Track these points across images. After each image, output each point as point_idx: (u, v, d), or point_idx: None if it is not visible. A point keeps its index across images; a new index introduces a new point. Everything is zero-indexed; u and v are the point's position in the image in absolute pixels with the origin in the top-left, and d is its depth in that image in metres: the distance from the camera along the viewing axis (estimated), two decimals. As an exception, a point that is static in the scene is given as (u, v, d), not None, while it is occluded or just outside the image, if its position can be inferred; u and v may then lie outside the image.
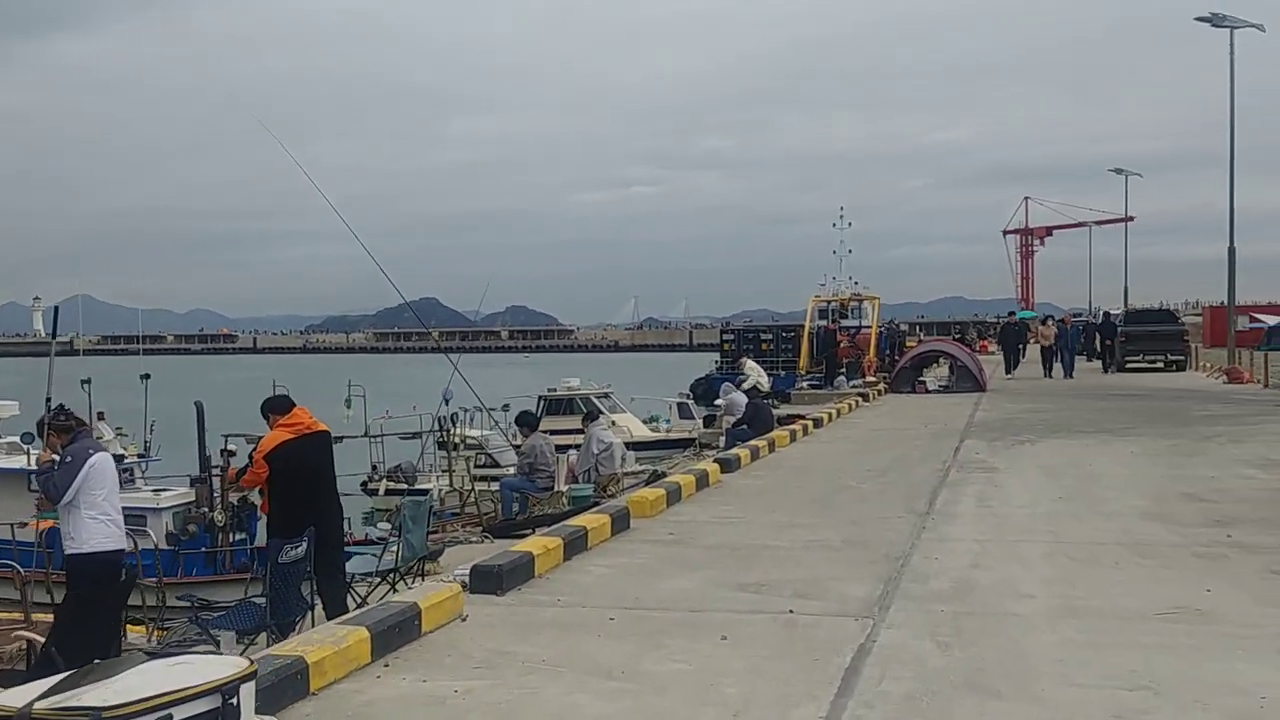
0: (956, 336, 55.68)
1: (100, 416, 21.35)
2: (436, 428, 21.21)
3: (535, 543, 8.15)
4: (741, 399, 20.21)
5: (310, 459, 8.15)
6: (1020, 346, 32.97)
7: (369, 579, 8.89)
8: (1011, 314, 43.80)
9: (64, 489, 7.24)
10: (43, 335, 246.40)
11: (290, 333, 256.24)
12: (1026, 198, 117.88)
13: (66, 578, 7.74)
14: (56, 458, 7.50)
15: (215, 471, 19.85)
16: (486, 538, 12.56)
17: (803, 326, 56.61)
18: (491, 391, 41.01)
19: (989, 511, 10.34)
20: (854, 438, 17.50)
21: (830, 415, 20.34)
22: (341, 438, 21.79)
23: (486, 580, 7.32)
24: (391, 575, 8.88)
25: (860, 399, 24.22)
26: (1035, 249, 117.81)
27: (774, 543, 9.00)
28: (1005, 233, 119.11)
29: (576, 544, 8.59)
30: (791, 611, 6.74)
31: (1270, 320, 51.15)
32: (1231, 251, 37.18)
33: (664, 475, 14.33)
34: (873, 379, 32.13)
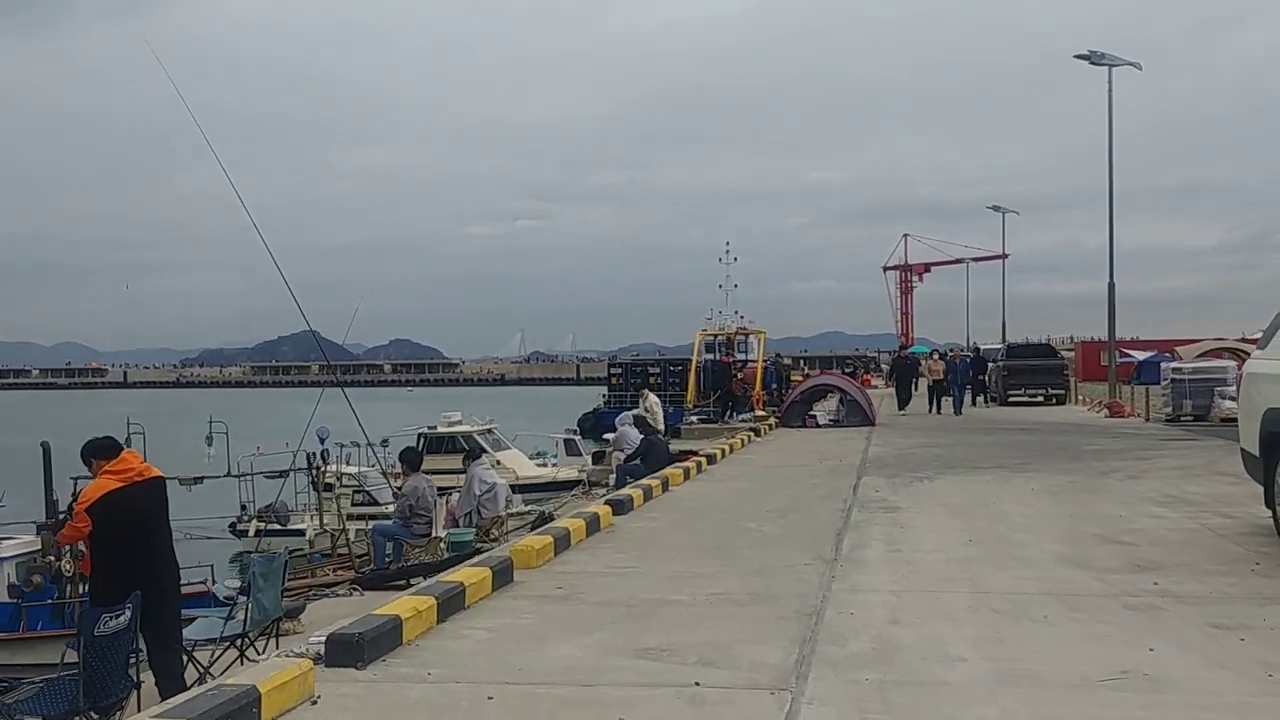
0: (848, 370, 55.88)
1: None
2: (307, 465, 19.86)
3: (404, 604, 7.14)
4: (634, 433, 19.39)
5: (141, 510, 7.03)
6: (913, 381, 32.87)
7: (213, 645, 7.76)
8: (904, 348, 43.93)
9: None
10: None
11: (164, 366, 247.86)
12: (906, 235, 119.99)
13: None
14: None
15: (62, 516, 18.26)
16: (355, 590, 11.45)
17: (690, 360, 56.52)
18: (372, 427, 39.50)
19: (900, 557, 9.65)
20: (750, 475, 16.80)
21: (723, 451, 19.65)
22: (203, 478, 20.50)
23: (345, 652, 6.31)
24: (240, 640, 7.77)
25: (752, 434, 23.62)
26: (914, 285, 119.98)
27: (674, 597, 8.14)
28: (885, 269, 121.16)
29: (452, 603, 7.61)
30: (698, 684, 5.88)
31: (1139, 355, 52.55)
32: (1111, 287, 37.91)
33: (551, 518, 13.41)
34: (762, 413, 31.66)
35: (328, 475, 31.87)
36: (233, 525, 31.28)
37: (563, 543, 10.17)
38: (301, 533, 27.17)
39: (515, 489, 34.70)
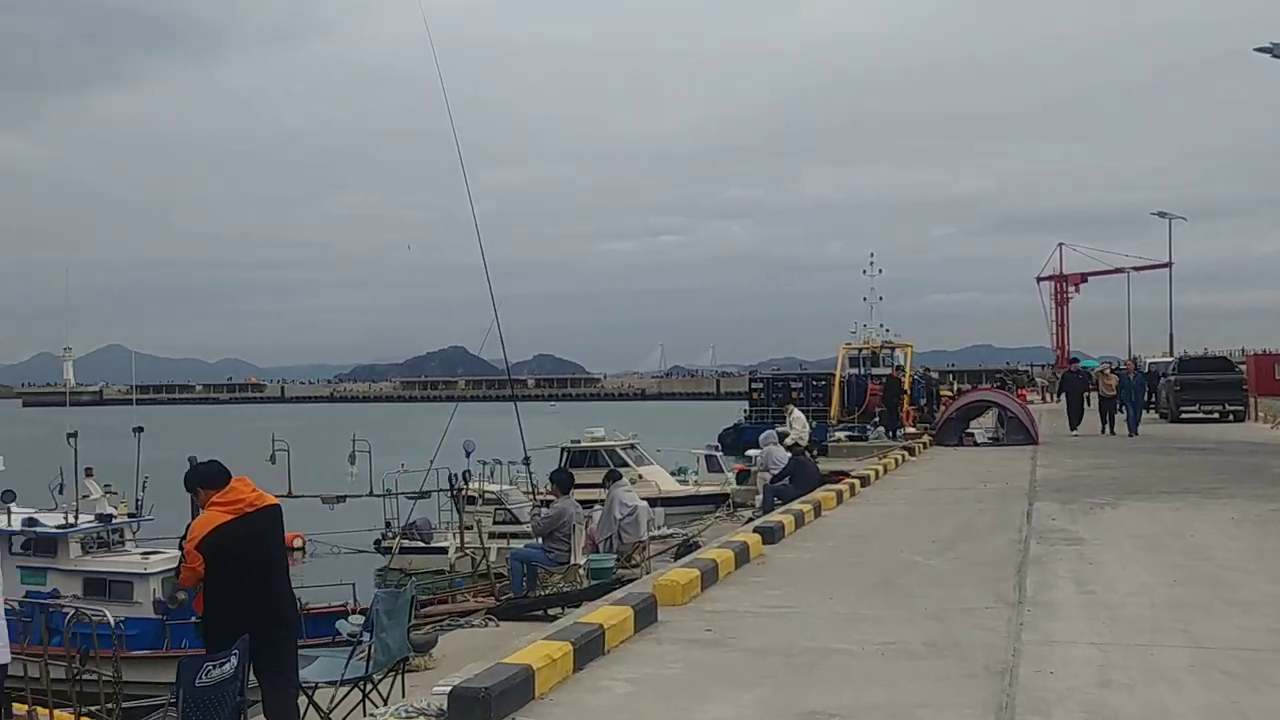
0: (998, 385, 53.57)
1: (88, 473, 19.79)
2: (448, 485, 19.44)
3: (537, 651, 6.38)
4: (781, 452, 18.41)
5: (254, 544, 6.44)
6: (1085, 397, 30.79)
7: (334, 687, 7.14)
8: (1073, 361, 41.52)
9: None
10: (72, 385, 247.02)
11: (318, 382, 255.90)
12: (1061, 244, 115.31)
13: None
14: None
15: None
16: (490, 620, 10.82)
17: (833, 374, 55.14)
18: (515, 442, 39.35)
19: (1095, 600, 8.49)
20: (908, 498, 15.66)
21: (877, 472, 18.49)
22: (345, 497, 20.32)
23: (469, 709, 5.57)
24: (363, 684, 7.15)
25: (906, 453, 22.34)
26: (1070, 295, 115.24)
27: (839, 645, 7.19)
28: (1039, 279, 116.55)
29: (590, 648, 6.83)
30: (878, 763, 4.95)
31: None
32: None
33: (695, 545, 12.57)
34: (913, 430, 30.22)
35: (469, 491, 31.75)
36: (377, 542, 31.36)
37: (710, 576, 9.31)
38: (444, 551, 26.93)
39: (657, 503, 34.23)
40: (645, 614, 7.78)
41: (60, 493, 20.00)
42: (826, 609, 8.33)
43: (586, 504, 33.93)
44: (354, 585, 20.13)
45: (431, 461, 27.43)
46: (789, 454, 18.00)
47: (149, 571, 18.36)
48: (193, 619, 18.01)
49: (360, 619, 7.34)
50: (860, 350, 55.10)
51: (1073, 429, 28.63)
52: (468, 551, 20.14)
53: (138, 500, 20.11)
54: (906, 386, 38.37)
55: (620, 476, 14.58)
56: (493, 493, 31.03)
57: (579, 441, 38.14)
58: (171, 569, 18.52)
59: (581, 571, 12.02)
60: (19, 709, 10.97)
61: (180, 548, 6.75)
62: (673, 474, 39.30)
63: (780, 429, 22.70)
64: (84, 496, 19.40)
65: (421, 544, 29.65)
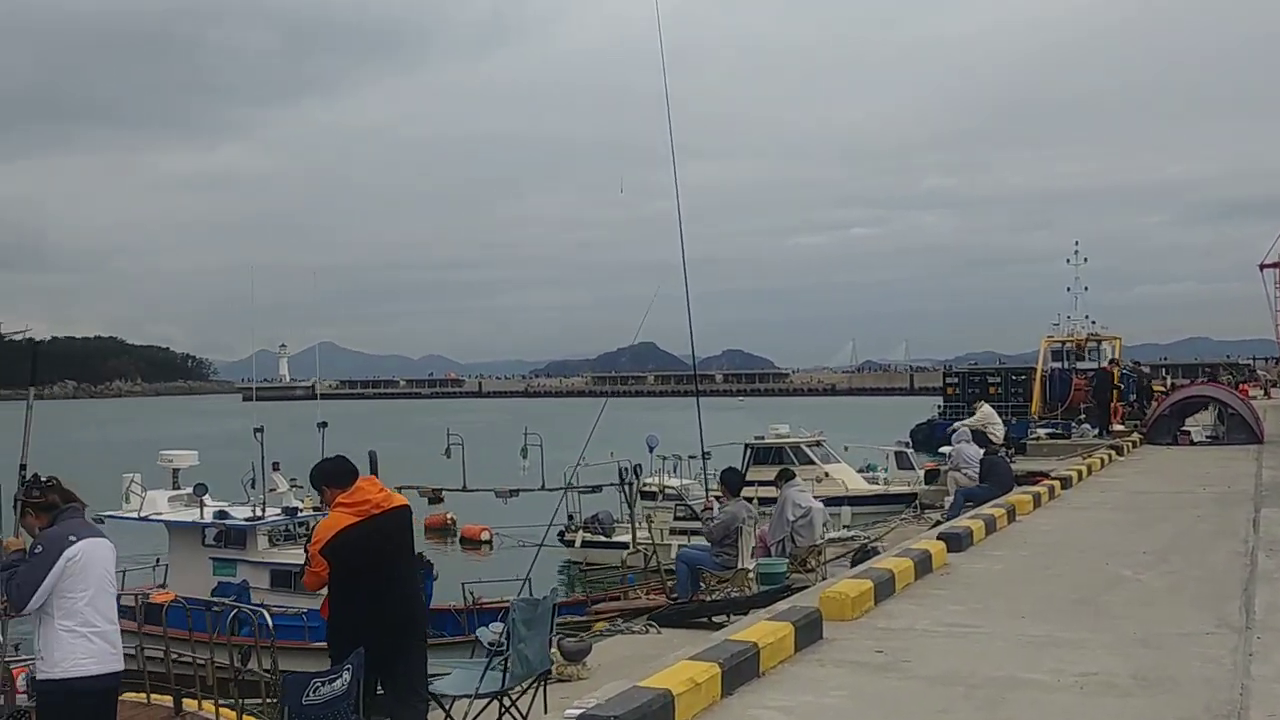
0: (1223, 379, 49.82)
1: (275, 467, 20.20)
2: (619, 480, 19.00)
3: (679, 674, 5.71)
4: (972, 450, 17.21)
5: (381, 548, 6.02)
6: None
7: (469, 700, 6.67)
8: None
9: (29, 592, 5.28)
10: (287, 380, 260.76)
11: (513, 377, 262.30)
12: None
13: (36, 711, 5.83)
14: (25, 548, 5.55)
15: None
16: (651, 627, 10.23)
17: (1033, 369, 52.70)
18: (688, 438, 38.83)
19: (1341, 628, 7.26)
20: (1115, 503, 14.30)
21: (1080, 473, 17.07)
22: (518, 491, 20.13)
23: (596, 741, 4.96)
24: (502, 698, 6.65)
25: (1113, 452, 20.68)
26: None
27: (1029, 675, 6.27)
28: (1263, 266, 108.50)
29: (742, 669, 6.12)
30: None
31: None
32: None
33: (875, 551, 11.69)
34: (1122, 427, 28.16)
35: (649, 486, 31.34)
36: (561, 534, 31.35)
37: (885, 588, 8.45)
38: (625, 545, 26.62)
39: (843, 502, 33.02)
40: (808, 631, 7.02)
41: (252, 486, 20.51)
42: (1016, 630, 7.38)
43: (767, 503, 33.44)
44: (529, 582, 19.95)
45: (581, 458, 27.16)
46: (982, 451, 16.77)
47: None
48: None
49: (500, 626, 6.84)
50: (1064, 343, 52.59)
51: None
52: (640, 548, 19.63)
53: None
54: (1117, 380, 36.00)
55: (794, 475, 13.77)
56: (673, 489, 30.55)
57: (763, 438, 37.27)
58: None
59: (750, 576, 11.33)
60: (189, 704, 11.00)
61: (305, 549, 6.39)
62: (861, 472, 38.06)
63: (972, 423, 21.27)
64: (270, 490, 19.79)
65: (603, 537, 29.46)
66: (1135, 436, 24.54)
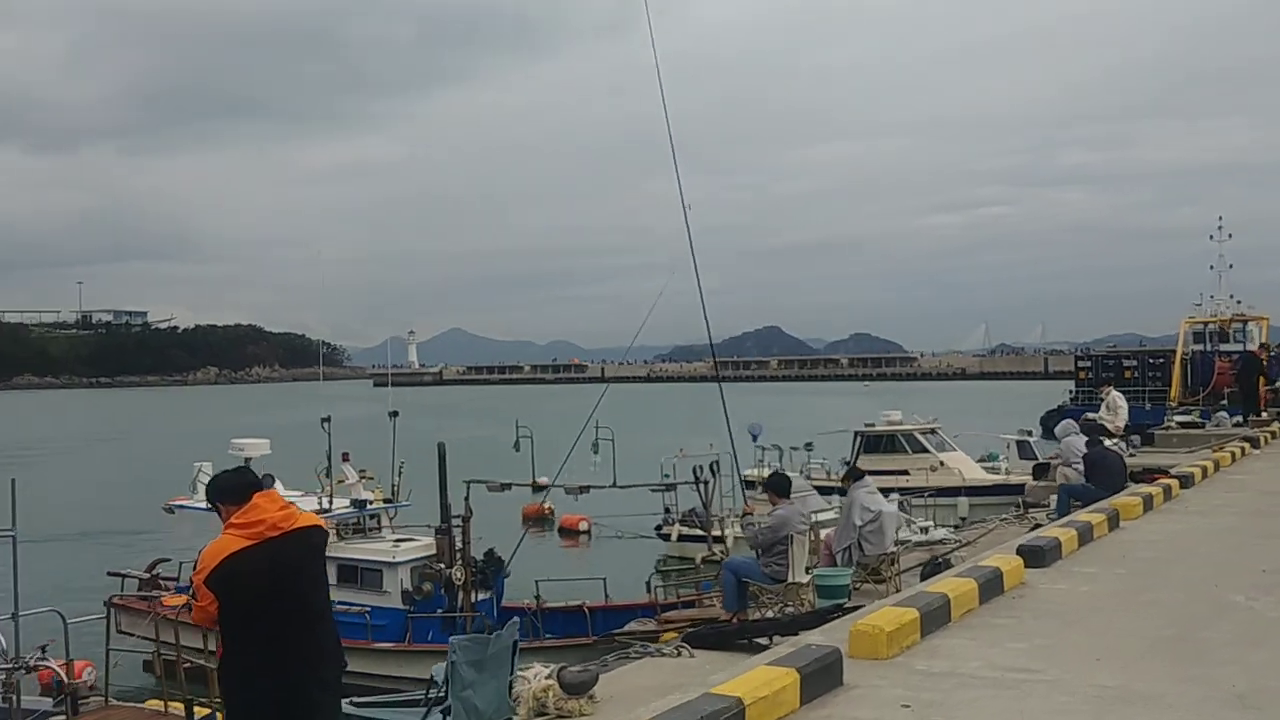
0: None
1: (344, 458, 19.60)
2: (693, 479, 17.81)
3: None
4: (1083, 443, 15.53)
5: (281, 576, 4.98)
6: None
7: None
8: None
9: None
10: (416, 366, 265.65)
11: (636, 362, 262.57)
12: None
13: None
14: None
15: (456, 522, 17.50)
16: (683, 649, 9.03)
17: (1173, 352, 49.85)
18: (817, 424, 37.27)
19: None
20: (1241, 507, 12.57)
21: (1205, 469, 15.27)
22: (588, 487, 19.11)
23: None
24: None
25: (1247, 445, 18.66)
26: None
27: (1086, 747, 4.94)
28: None
29: (723, 730, 4.94)
30: None
31: None
32: None
33: (947, 564, 10.31)
34: (1264, 416, 25.80)
35: (749, 477, 30.05)
36: (658, 528, 30.34)
37: (937, 616, 7.12)
38: (722, 539, 25.48)
39: (960, 493, 31.15)
40: (822, 678, 5.78)
41: (327, 476, 19.98)
42: (1086, 678, 6.01)
43: (886, 492, 31.71)
44: (613, 582, 18.98)
45: (680, 453, 26.03)
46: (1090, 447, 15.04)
47: (398, 560, 17.87)
48: (439, 612, 17.46)
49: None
50: (1206, 325, 49.71)
51: None
52: (715, 552, 18.42)
53: (394, 486, 19.75)
54: (1222, 367, 33.33)
55: (862, 475, 12.37)
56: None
57: (873, 425, 35.58)
58: (422, 558, 18.00)
59: (807, 593, 10.03)
60: (200, 712, 10.24)
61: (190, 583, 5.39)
62: (980, 461, 36.05)
63: (1095, 416, 19.47)
64: (339, 481, 19.19)
65: (700, 531, 28.38)
66: (1277, 427, 22.32)
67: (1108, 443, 15.53)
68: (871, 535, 11.28)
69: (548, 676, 7.57)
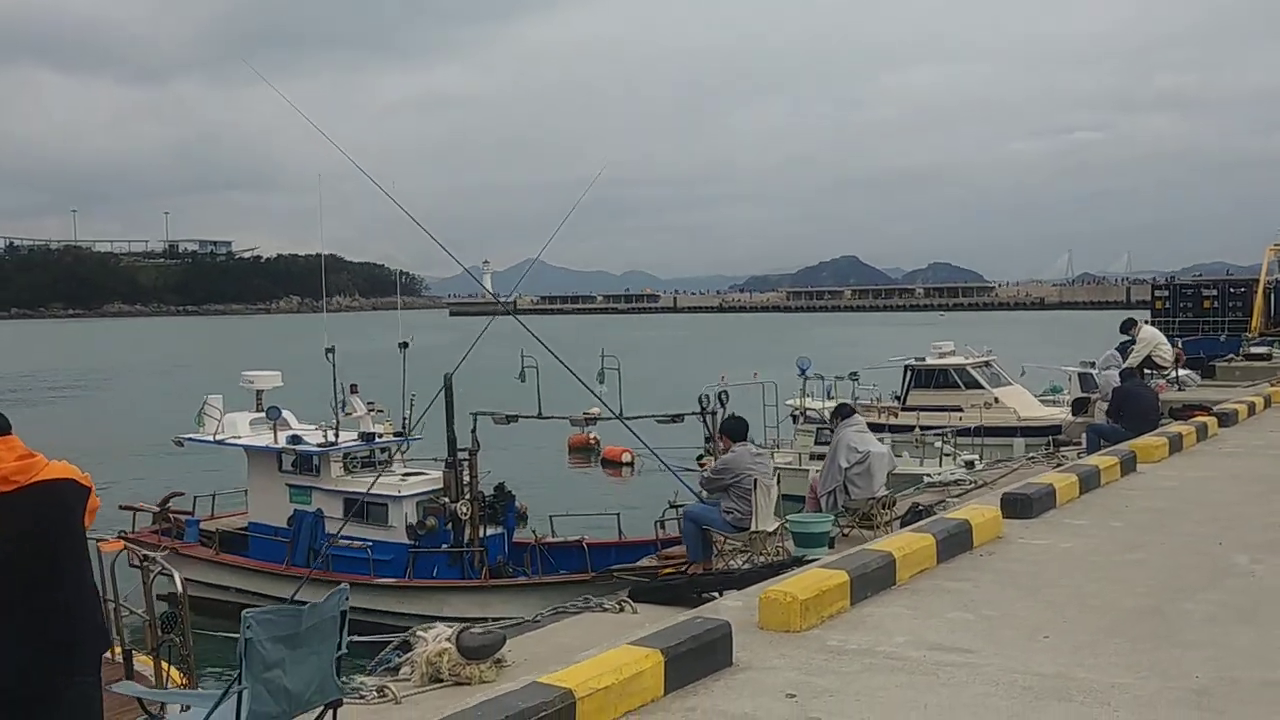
0: None
1: (353, 390, 19.02)
2: (699, 409, 16.80)
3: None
4: (1116, 378, 14.31)
5: (11, 537, 4.20)
6: None
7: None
8: None
9: None
10: (489, 296, 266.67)
11: (708, 293, 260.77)
12: None
13: None
14: None
15: (464, 456, 16.84)
16: (625, 605, 8.19)
17: (1256, 281, 47.62)
18: (886, 355, 35.98)
19: None
20: (1278, 449, 11.35)
21: (1253, 405, 14.00)
22: (596, 419, 18.33)
23: None
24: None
25: (1308, 380, 17.22)
26: None
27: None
28: None
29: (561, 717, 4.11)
30: None
31: None
32: None
33: (928, 513, 9.33)
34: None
35: (792, 408, 29.00)
36: (699, 458, 29.56)
37: (875, 579, 6.19)
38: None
39: (1016, 432, 29.72)
40: (698, 658, 4.90)
41: (343, 409, 19.48)
42: (1023, 662, 5.05)
43: (932, 430, 30.44)
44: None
45: (722, 379, 24.98)
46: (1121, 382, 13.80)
47: (403, 495, 17.30)
48: (444, 547, 16.90)
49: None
50: None
51: None
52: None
53: (404, 419, 19.15)
54: None
55: (852, 412, 11.36)
56: (814, 411, 28.11)
57: (924, 359, 34.14)
58: (429, 492, 17.40)
59: (777, 541, 9.11)
60: (143, 661, 9.68)
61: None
62: (1043, 396, 34.42)
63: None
64: (347, 414, 18.63)
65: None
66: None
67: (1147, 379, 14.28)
68: (858, 478, 10.31)
69: (447, 639, 6.83)
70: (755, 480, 9.09)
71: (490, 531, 17.00)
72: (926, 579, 6.50)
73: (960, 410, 31.93)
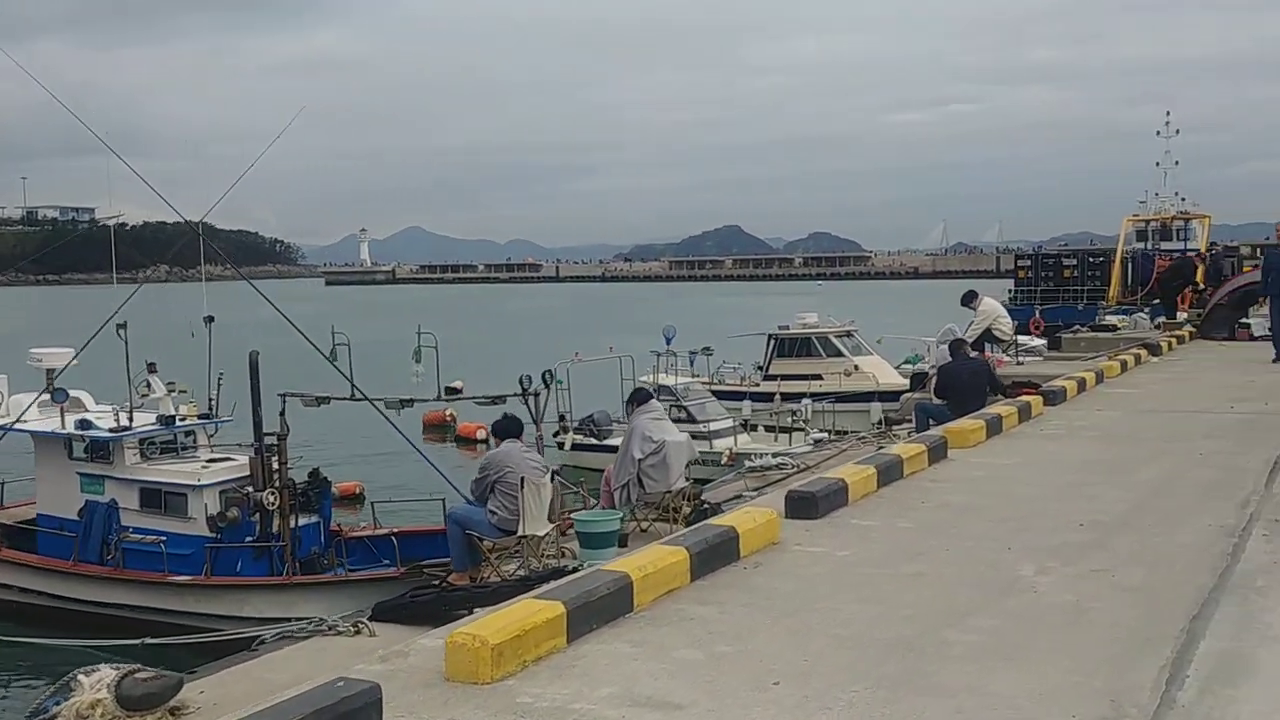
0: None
1: (151, 369, 17.48)
2: (520, 391, 15.72)
3: None
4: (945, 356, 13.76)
5: None
6: None
7: None
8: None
9: None
10: (368, 265, 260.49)
11: (591, 262, 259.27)
12: None
13: None
14: None
15: (272, 440, 15.49)
16: (361, 626, 7.11)
17: (1114, 250, 48.64)
18: (763, 324, 35.46)
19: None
20: (1104, 429, 10.82)
21: (1085, 380, 13.54)
22: (412, 400, 17.07)
23: None
24: None
25: (1145, 352, 16.95)
26: None
27: None
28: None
29: None
30: None
31: None
32: None
33: (714, 510, 8.51)
34: (1181, 318, 24.18)
35: (644, 383, 28.20)
36: (555, 434, 28.70)
37: (604, 608, 5.26)
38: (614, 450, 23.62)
39: (874, 398, 29.44)
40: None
41: (148, 389, 17.95)
42: (745, 708, 4.17)
43: (792, 397, 29.90)
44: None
45: (575, 357, 24.15)
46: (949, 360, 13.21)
47: (203, 484, 15.92)
48: (247, 540, 15.60)
49: None
50: (1148, 222, 48.58)
51: None
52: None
53: (210, 400, 17.70)
54: (1199, 275, 31.53)
55: (649, 397, 10.48)
56: (669, 387, 27.35)
57: (787, 328, 33.75)
58: (232, 480, 16.07)
59: (546, 540, 8.16)
60: None
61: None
62: (903, 365, 34.32)
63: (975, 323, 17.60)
64: (145, 395, 17.12)
65: (594, 441, 26.70)
66: (1186, 330, 20.68)
67: (975, 353, 13.72)
68: (654, 470, 9.43)
69: (108, 685, 5.71)
70: (522, 479, 8.12)
71: (304, 521, 15.80)
72: (671, 603, 5.60)
73: (821, 378, 31.74)
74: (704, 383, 31.08)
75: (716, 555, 6.16)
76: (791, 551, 6.51)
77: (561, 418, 28.80)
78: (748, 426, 27.57)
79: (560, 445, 28.93)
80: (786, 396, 29.19)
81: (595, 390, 28.50)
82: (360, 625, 7.08)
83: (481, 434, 31.49)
